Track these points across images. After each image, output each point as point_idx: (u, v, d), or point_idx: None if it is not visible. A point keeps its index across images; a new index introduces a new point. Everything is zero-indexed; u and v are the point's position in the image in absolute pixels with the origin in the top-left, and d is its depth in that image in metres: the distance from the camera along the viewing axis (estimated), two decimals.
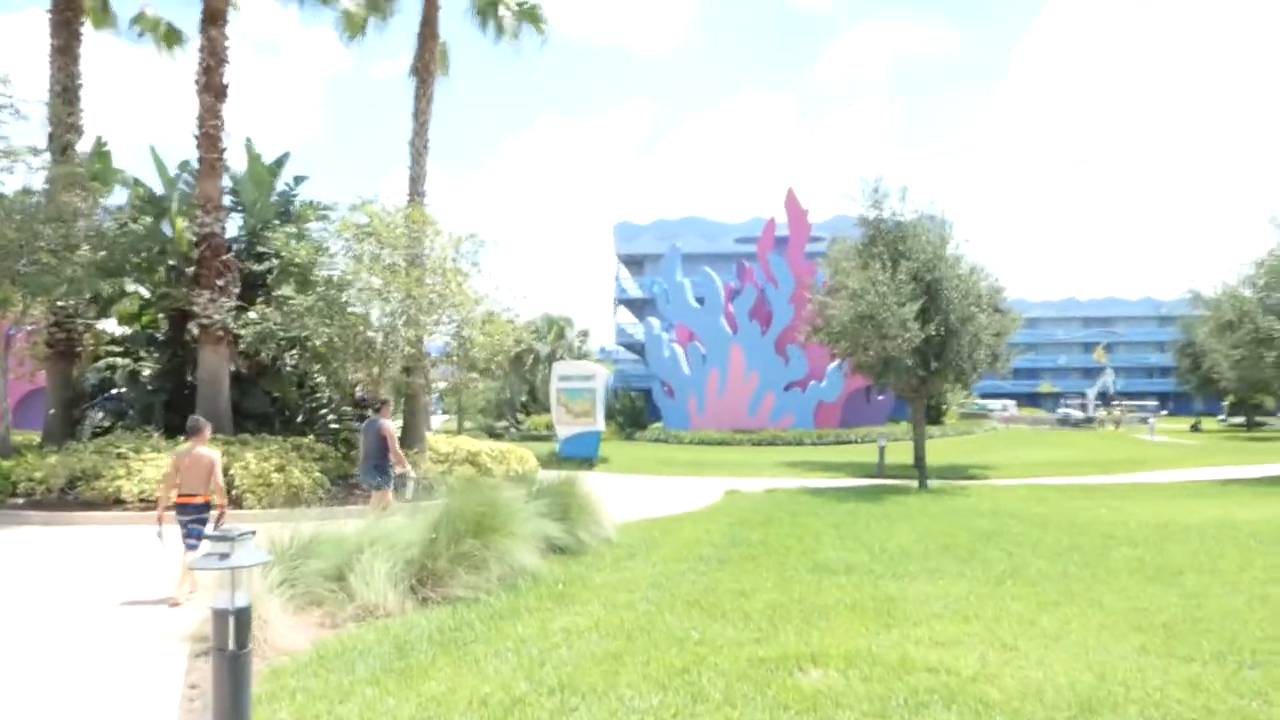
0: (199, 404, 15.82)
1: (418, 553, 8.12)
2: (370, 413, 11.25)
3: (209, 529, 7.91)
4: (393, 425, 11.16)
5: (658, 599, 7.85)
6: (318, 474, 14.60)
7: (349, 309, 15.71)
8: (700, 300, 47.35)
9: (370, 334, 15.43)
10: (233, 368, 16.64)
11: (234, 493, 13.72)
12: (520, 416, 51.67)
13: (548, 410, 53.79)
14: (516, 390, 49.00)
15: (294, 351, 16.93)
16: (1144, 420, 64.32)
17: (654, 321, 48.52)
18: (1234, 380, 44.41)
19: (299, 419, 17.27)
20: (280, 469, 14.06)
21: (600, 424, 26.05)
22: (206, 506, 8.33)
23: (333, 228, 15.94)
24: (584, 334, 48.78)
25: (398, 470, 10.89)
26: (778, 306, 45.44)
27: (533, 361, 46.70)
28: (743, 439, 40.59)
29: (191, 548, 8.08)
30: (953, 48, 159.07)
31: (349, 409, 17.88)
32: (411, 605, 7.63)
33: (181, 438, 10.18)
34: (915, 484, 19.52)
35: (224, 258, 16.47)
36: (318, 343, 14.84)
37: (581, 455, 24.81)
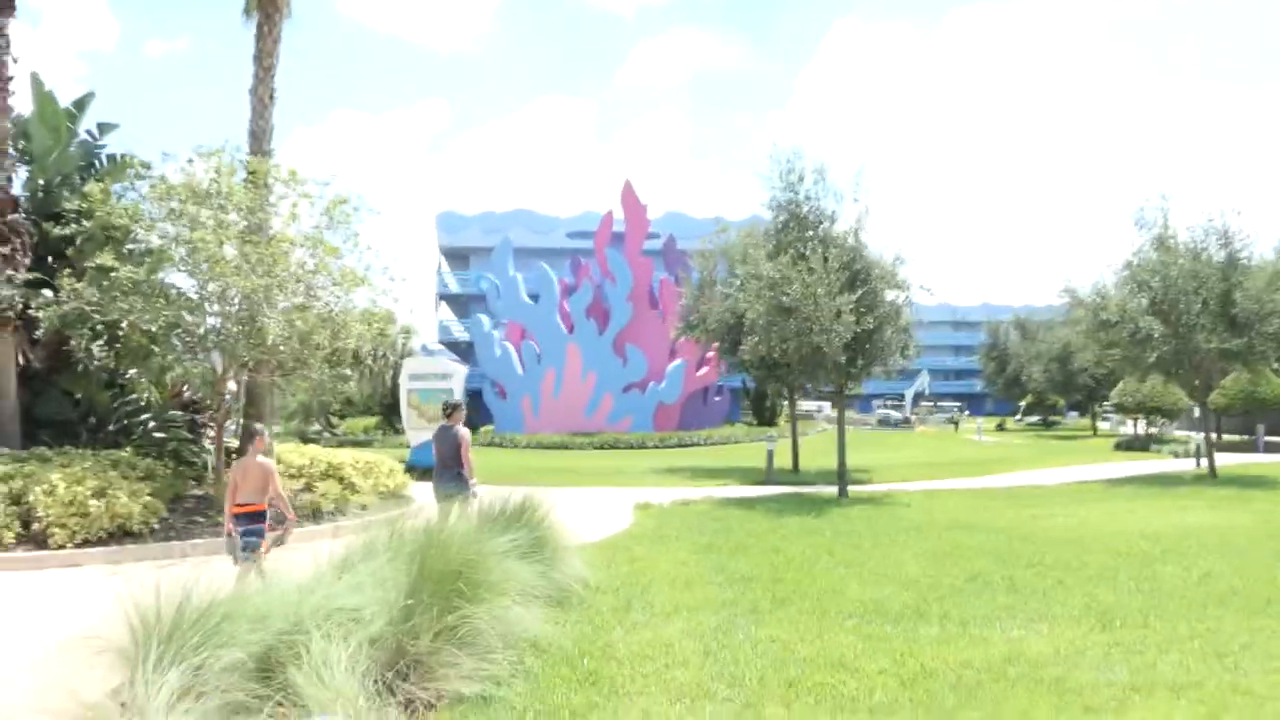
0: None
1: (385, 627, 5.50)
2: (444, 417, 10.36)
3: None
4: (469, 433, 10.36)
5: (732, 677, 5.64)
6: (149, 498, 11.28)
7: (174, 290, 12.43)
8: (534, 297, 44.91)
9: (216, 320, 12.21)
10: (21, 361, 12.89)
11: (36, 527, 10.26)
12: (334, 420, 47.37)
13: (365, 412, 50.09)
14: (318, 394, 44.68)
15: (101, 342, 13.34)
16: (950, 421, 67.54)
17: (484, 319, 45.59)
18: (1109, 376, 46.91)
19: (110, 427, 13.62)
20: (100, 493, 10.68)
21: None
22: (263, 515, 8.09)
23: (151, 189, 12.43)
24: (407, 331, 45.08)
25: (472, 481, 10.10)
26: (616, 304, 43.71)
27: (351, 360, 42.63)
28: (583, 442, 38.50)
29: (245, 559, 7.94)
30: (748, 61, 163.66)
31: (178, 413, 14.37)
32: (396, 714, 5.03)
33: None
34: (827, 490, 18.16)
35: (9, 218, 12.68)
36: (152, 328, 11.47)
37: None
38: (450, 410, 10.50)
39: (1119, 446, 35.40)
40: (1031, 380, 55.67)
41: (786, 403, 60.34)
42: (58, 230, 12.23)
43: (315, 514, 12.84)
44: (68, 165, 14.12)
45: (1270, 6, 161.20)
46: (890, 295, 16.36)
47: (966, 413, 67.49)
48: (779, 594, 8.11)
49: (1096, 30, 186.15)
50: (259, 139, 15.41)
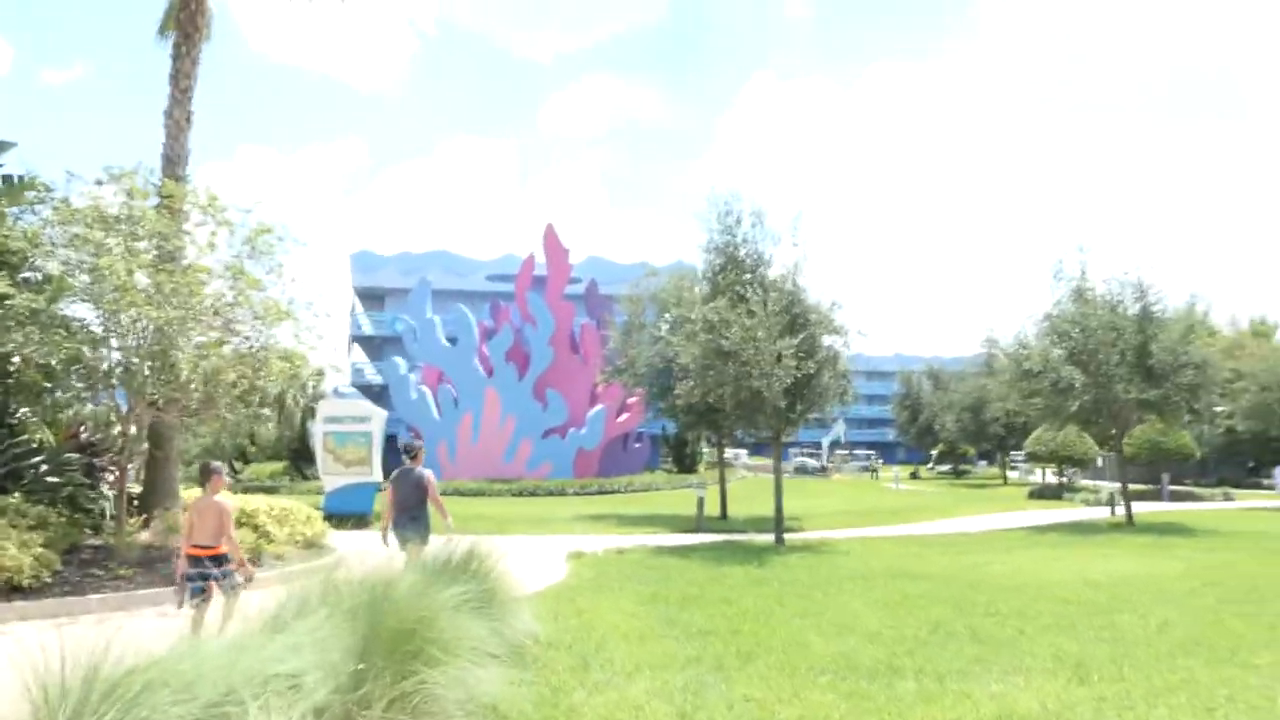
0: None
1: (331, 695, 4.83)
2: (405, 460, 10.05)
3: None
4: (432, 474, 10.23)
5: None
6: (40, 549, 10.21)
7: (75, 322, 11.49)
8: (452, 340, 43.97)
9: (120, 354, 11.28)
10: None
11: None
12: (237, 465, 45.30)
13: (271, 458, 48.06)
14: (233, 436, 42.75)
15: None
16: (869, 469, 68.30)
17: (399, 361, 44.41)
18: (1020, 425, 47.78)
19: None
20: None
21: (377, 474, 22.19)
22: (224, 559, 7.85)
23: (54, 212, 11.47)
24: (319, 372, 43.51)
25: (447, 520, 9.86)
26: (536, 348, 43.10)
27: (258, 402, 40.89)
28: (501, 489, 37.56)
29: (196, 603, 7.68)
30: (667, 109, 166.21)
31: (74, 456, 13.21)
32: None
33: None
34: (761, 539, 17.83)
35: None
36: (51, 362, 10.49)
37: (353, 510, 20.88)
38: (412, 453, 10.23)
39: (1032, 495, 36.09)
40: (944, 429, 56.77)
41: (706, 449, 60.41)
42: None
43: None
44: None
45: (1184, 56, 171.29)
46: (827, 340, 16.22)
47: (882, 461, 68.33)
48: (741, 648, 7.64)
49: (1012, 84, 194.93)
50: (174, 164, 14.53)
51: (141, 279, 10.82)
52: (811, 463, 63.61)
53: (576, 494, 37.45)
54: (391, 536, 9.85)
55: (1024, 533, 20.49)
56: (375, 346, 60.63)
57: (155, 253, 11.53)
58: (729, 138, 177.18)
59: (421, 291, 44.72)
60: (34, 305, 10.28)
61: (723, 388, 16.23)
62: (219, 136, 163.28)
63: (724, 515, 24.22)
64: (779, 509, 16.69)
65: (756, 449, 79.12)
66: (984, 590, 11.12)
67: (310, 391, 43.39)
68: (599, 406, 42.70)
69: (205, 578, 7.70)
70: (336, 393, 50.90)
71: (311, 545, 14.59)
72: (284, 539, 13.81)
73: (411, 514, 9.81)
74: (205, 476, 8.09)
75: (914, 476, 61.08)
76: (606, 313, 48.06)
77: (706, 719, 5.65)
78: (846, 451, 73.08)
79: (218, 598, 7.82)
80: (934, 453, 68.49)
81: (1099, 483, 41.15)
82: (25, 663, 4.56)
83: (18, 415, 12.68)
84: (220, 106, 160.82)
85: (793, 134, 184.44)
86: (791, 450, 73.55)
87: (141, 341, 11.21)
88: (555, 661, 6.96)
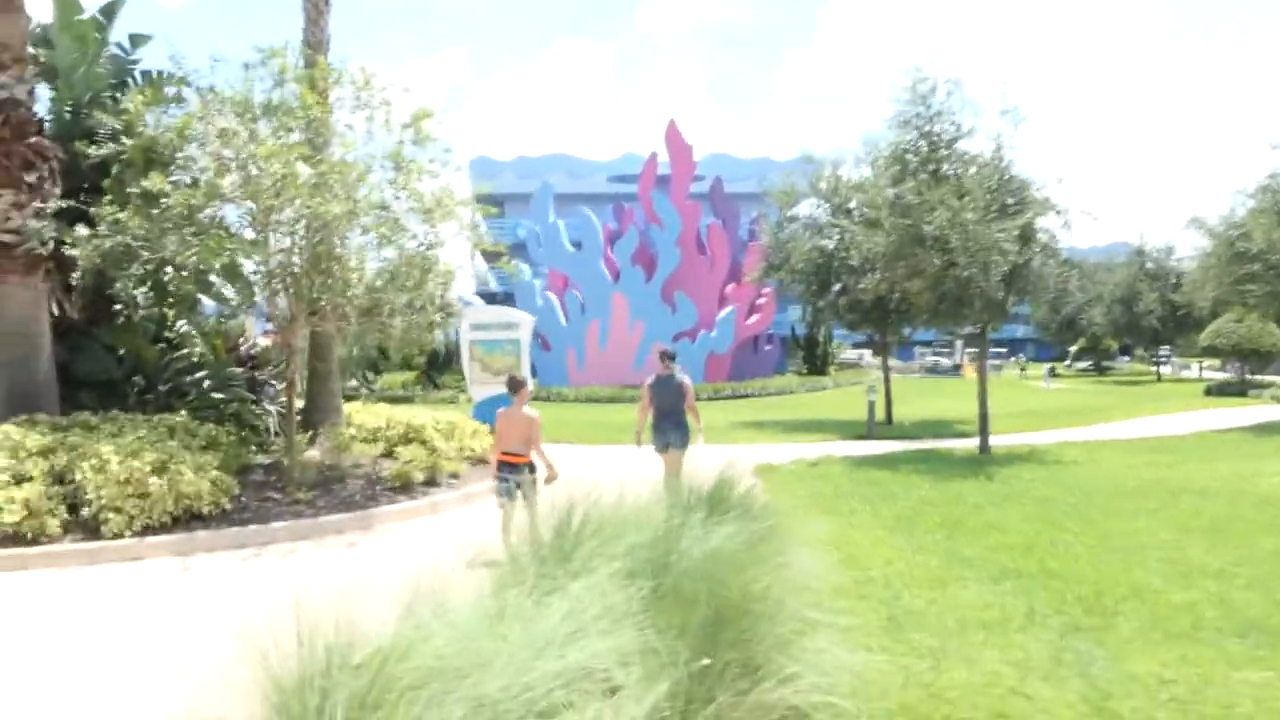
0: None
1: (664, 703, 3.47)
2: (668, 366, 9.91)
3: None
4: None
5: None
6: (216, 472, 9.31)
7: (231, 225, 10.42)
8: (577, 244, 42.64)
9: (281, 257, 10.15)
10: (56, 311, 10.92)
11: (87, 512, 8.33)
12: (370, 375, 45.55)
13: (402, 367, 48.24)
14: (365, 346, 42.83)
15: (146, 288, 11.32)
16: (995, 367, 65.15)
17: (524, 267, 43.38)
18: (1180, 317, 44.53)
19: (161, 387, 11.64)
20: (160, 468, 8.71)
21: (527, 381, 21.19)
22: (531, 467, 7.83)
23: (200, 104, 10.26)
24: (446, 278, 42.95)
25: (699, 428, 9.81)
26: (663, 250, 41.40)
27: (388, 312, 40.61)
28: (634, 395, 36.46)
29: (502, 502, 7.74)
30: (761, 8, 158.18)
31: (236, 370, 12.37)
32: None
33: None
34: (953, 445, 16.17)
35: (33, 140, 10.61)
36: (215, 266, 9.44)
37: None
38: (671, 357, 10.19)
39: (1209, 392, 33.13)
40: (1091, 324, 53.14)
41: (838, 350, 58.25)
42: (93, 151, 10.13)
43: (406, 486, 10.89)
44: (98, 82, 12.01)
45: None
46: (1042, 222, 14.09)
47: (1024, 358, 64.74)
48: (1077, 597, 6.08)
49: None
50: (315, 50, 13.21)
51: (304, 169, 9.58)
52: (945, 361, 60.76)
53: (711, 398, 36.14)
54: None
55: (1241, 434, 18.21)
56: (485, 258, 59.96)
57: (310, 141, 10.29)
58: (831, 29, 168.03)
59: (544, 195, 43.34)
60: (192, 201, 9.14)
61: (916, 278, 14.37)
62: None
63: (889, 420, 22.51)
64: (984, 413, 14.92)
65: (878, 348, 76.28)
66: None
67: (437, 300, 42.93)
68: (729, 308, 41.03)
69: (512, 481, 7.71)
70: (462, 300, 50.59)
71: (482, 461, 13.59)
72: (453, 454, 12.79)
73: (675, 419, 9.79)
74: (514, 388, 8.27)
75: (1053, 374, 57.70)
76: (735, 210, 46.20)
77: (1131, 712, 4.13)
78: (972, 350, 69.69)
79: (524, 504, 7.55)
80: (1072, 349, 64.74)
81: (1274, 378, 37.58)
82: (243, 629, 3.30)
83: (177, 327, 11.82)
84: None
85: (898, 21, 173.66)
86: (917, 349, 70.67)
87: (304, 241, 10.05)
88: (864, 620, 5.52)
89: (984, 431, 14.87)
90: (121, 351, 11.66)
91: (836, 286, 21.92)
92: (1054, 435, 18.91)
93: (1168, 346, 56.17)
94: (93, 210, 9.80)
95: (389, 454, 12.53)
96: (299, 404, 13.38)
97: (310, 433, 12.44)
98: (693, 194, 43.56)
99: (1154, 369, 53.30)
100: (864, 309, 21.39)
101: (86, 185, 11.13)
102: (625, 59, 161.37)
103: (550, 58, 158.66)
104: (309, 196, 9.27)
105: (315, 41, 13.35)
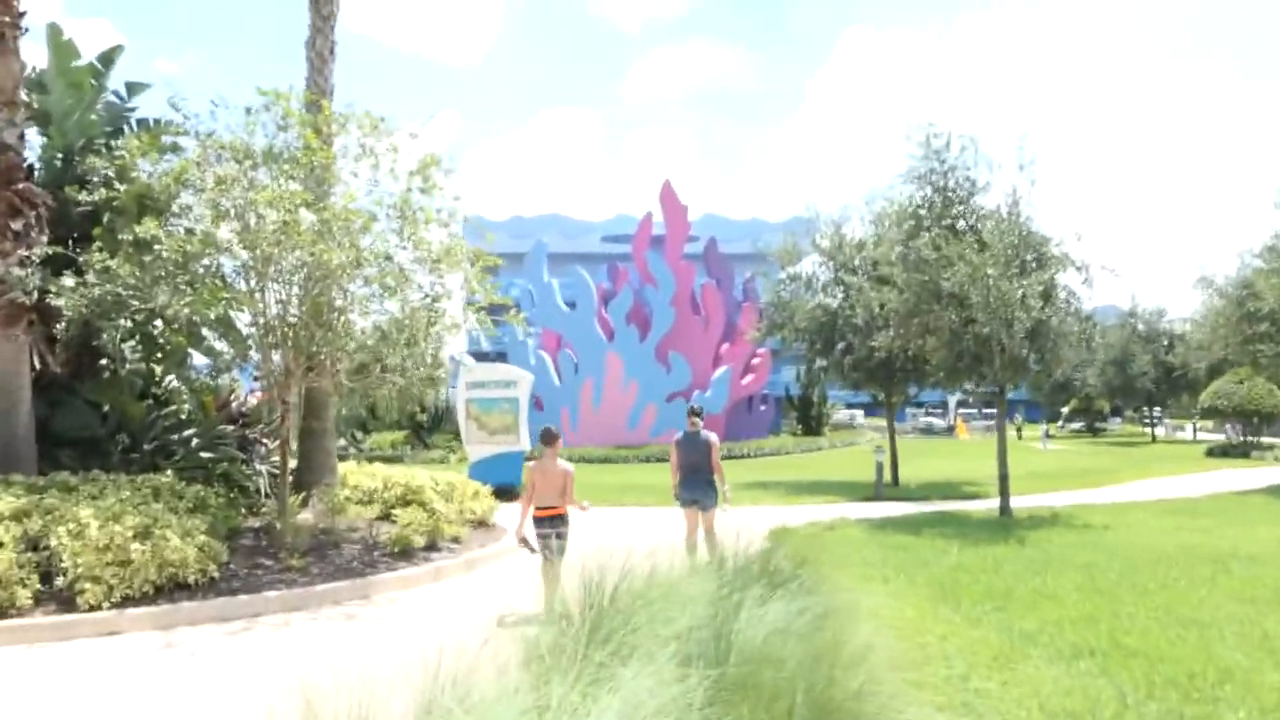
0: None
1: None
2: (694, 423, 9.99)
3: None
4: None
5: None
6: (204, 537, 8.66)
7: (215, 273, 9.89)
8: (571, 304, 42.31)
9: (280, 305, 9.62)
10: (37, 364, 10.31)
11: (61, 581, 7.66)
12: (358, 434, 44.73)
13: (391, 426, 47.44)
14: (355, 404, 42.08)
15: (134, 341, 10.79)
16: (988, 429, 64.79)
17: (517, 327, 42.96)
18: (1174, 378, 44.36)
19: (146, 446, 10.99)
20: (143, 533, 8.06)
21: (525, 442, 20.60)
22: (564, 519, 8.02)
23: (199, 149, 9.82)
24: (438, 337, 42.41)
25: (724, 488, 9.90)
26: (658, 309, 41.12)
27: (381, 368, 39.96)
28: (628, 455, 35.93)
29: (550, 557, 7.69)
30: (753, 73, 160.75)
31: (226, 428, 11.75)
32: None
33: None
34: (969, 508, 15.62)
35: (21, 185, 10.10)
36: (209, 315, 8.90)
37: (499, 482, 19.30)
38: (700, 414, 10.25)
39: (1211, 453, 32.73)
40: (1086, 385, 53.00)
41: (832, 410, 57.68)
42: (84, 196, 9.63)
43: (406, 551, 10.23)
44: (92, 129, 11.58)
45: None
46: (1061, 279, 13.73)
47: (1019, 419, 64.45)
48: (1164, 679, 5.49)
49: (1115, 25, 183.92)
50: (314, 110, 12.86)
51: (306, 216, 9.11)
52: (939, 422, 60.35)
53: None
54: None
55: (1263, 497, 17.73)
56: (490, 312, 59.70)
57: (314, 189, 9.85)
58: (821, 98, 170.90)
59: (538, 254, 43.13)
60: (187, 249, 8.63)
61: (931, 335, 13.95)
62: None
63: (895, 481, 21.94)
64: (1004, 474, 14.38)
65: (871, 410, 75.92)
66: None
67: (427, 360, 42.35)
68: (724, 368, 40.67)
69: (552, 533, 7.90)
70: (453, 360, 50.07)
71: (481, 524, 12.94)
72: (454, 517, 12.13)
73: (705, 476, 9.76)
74: (549, 440, 8.22)
75: (1048, 436, 57.33)
76: (730, 270, 46.08)
77: None
78: (976, 410, 69.37)
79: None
80: (1065, 410, 64.53)
81: (1275, 439, 37.20)
82: None
83: (165, 383, 11.23)
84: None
85: (887, 89, 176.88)
86: (909, 410, 70.19)
87: (302, 292, 9.54)
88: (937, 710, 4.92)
89: (1004, 493, 14.31)
90: (105, 408, 11.02)
91: (840, 345, 21.55)
92: (1068, 497, 18.41)
93: (1158, 408, 55.97)
94: (81, 258, 9.26)
95: (386, 516, 11.88)
96: (291, 463, 12.77)
97: (303, 494, 11.78)
98: (687, 254, 43.47)
99: (1146, 430, 52.99)
100: (869, 368, 20.98)
101: (76, 234, 10.64)
102: (614, 124, 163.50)
103: (541, 122, 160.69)
104: (311, 244, 8.78)
105: (319, 91, 12.99)
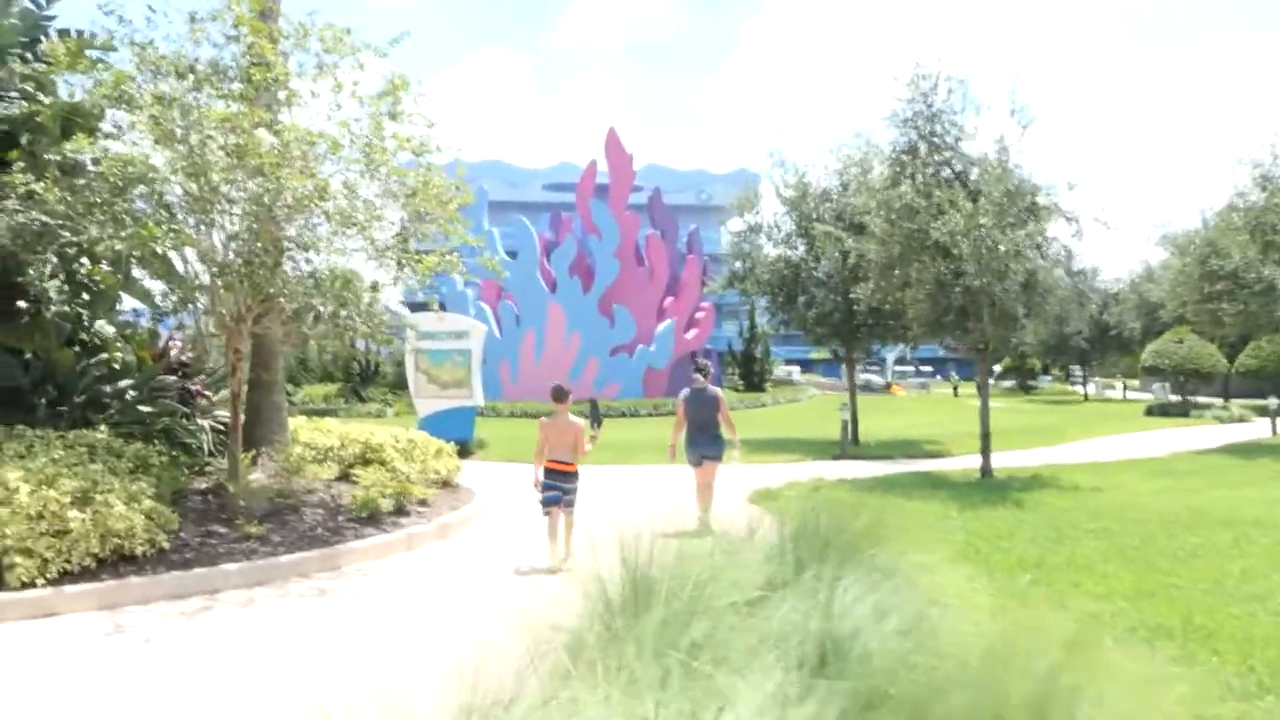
0: None
1: None
2: (697, 378, 10.02)
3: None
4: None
5: None
6: (150, 502, 7.64)
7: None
8: (512, 254, 41.03)
9: (236, 242, 8.54)
10: None
11: None
12: (290, 388, 43.03)
13: (324, 380, 45.73)
14: (286, 355, 40.32)
15: (60, 280, 9.57)
16: (922, 386, 65.60)
17: (455, 276, 41.59)
18: (1107, 337, 45.01)
19: (77, 398, 9.79)
20: (82, 499, 7.03)
21: (478, 397, 19.63)
22: (576, 475, 8.22)
23: (138, 59, 8.57)
24: (374, 286, 40.71)
25: (735, 441, 10.01)
26: (601, 261, 40.16)
27: (313, 320, 38.25)
28: (572, 410, 34.94)
29: (548, 510, 8.07)
30: (684, 22, 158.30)
31: (169, 378, 10.59)
32: None
33: None
34: (950, 468, 15.27)
35: None
36: (158, 249, 7.78)
37: (451, 437, 18.34)
38: (703, 371, 10.24)
39: (1150, 412, 33.29)
40: (1022, 344, 53.70)
41: (787, 368, 57.61)
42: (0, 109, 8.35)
43: (374, 517, 9.32)
44: (6, 37, 10.17)
45: None
46: (1051, 230, 13.25)
47: (956, 377, 65.26)
48: (1265, 664, 4.97)
49: None
50: (268, 18, 11.57)
51: (266, 138, 8.01)
52: (877, 380, 60.72)
53: (650, 415, 34.89)
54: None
55: (1225, 457, 17.75)
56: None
57: (269, 107, 8.72)
58: (754, 47, 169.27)
59: (479, 202, 41.62)
60: (128, 169, 7.47)
61: (909, 288, 13.41)
62: None
63: (855, 439, 21.58)
64: (986, 433, 13.97)
65: (804, 366, 76.19)
66: None
67: (364, 309, 40.69)
68: (667, 321, 39.99)
69: (560, 489, 8.07)
70: (387, 309, 48.21)
71: (445, 484, 12.07)
72: (415, 477, 11.25)
73: (711, 432, 9.86)
74: (560, 396, 8.45)
75: (956, 393, 58.03)
76: (674, 222, 45.20)
77: None
78: (913, 368, 70.10)
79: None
80: (997, 368, 65.55)
81: (1210, 399, 38.09)
82: None
83: (96, 328, 10.04)
84: None
85: (822, 39, 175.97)
86: (842, 368, 70.49)
87: (258, 225, 8.45)
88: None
89: (985, 453, 13.91)
90: (28, 355, 9.80)
91: (802, 298, 21.00)
92: (1030, 456, 18.21)
93: (1082, 366, 57.10)
94: (3, 178, 8.01)
95: (344, 477, 10.95)
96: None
97: (253, 452, 10.74)
98: (631, 205, 42.48)
99: (1075, 389, 54.04)
100: (833, 323, 20.49)
101: None
102: (545, 71, 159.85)
103: (468, 64, 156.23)
104: (273, 169, 7.70)
105: (268, 10, 11.69)
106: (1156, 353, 33.88)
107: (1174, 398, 35.20)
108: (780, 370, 63.04)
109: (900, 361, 67.41)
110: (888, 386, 60.07)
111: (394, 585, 7.51)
